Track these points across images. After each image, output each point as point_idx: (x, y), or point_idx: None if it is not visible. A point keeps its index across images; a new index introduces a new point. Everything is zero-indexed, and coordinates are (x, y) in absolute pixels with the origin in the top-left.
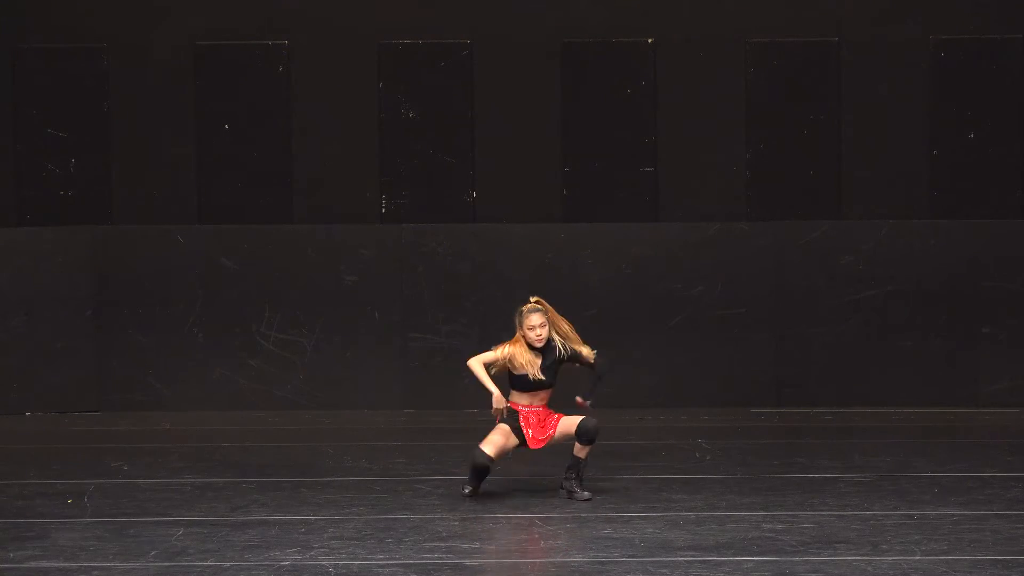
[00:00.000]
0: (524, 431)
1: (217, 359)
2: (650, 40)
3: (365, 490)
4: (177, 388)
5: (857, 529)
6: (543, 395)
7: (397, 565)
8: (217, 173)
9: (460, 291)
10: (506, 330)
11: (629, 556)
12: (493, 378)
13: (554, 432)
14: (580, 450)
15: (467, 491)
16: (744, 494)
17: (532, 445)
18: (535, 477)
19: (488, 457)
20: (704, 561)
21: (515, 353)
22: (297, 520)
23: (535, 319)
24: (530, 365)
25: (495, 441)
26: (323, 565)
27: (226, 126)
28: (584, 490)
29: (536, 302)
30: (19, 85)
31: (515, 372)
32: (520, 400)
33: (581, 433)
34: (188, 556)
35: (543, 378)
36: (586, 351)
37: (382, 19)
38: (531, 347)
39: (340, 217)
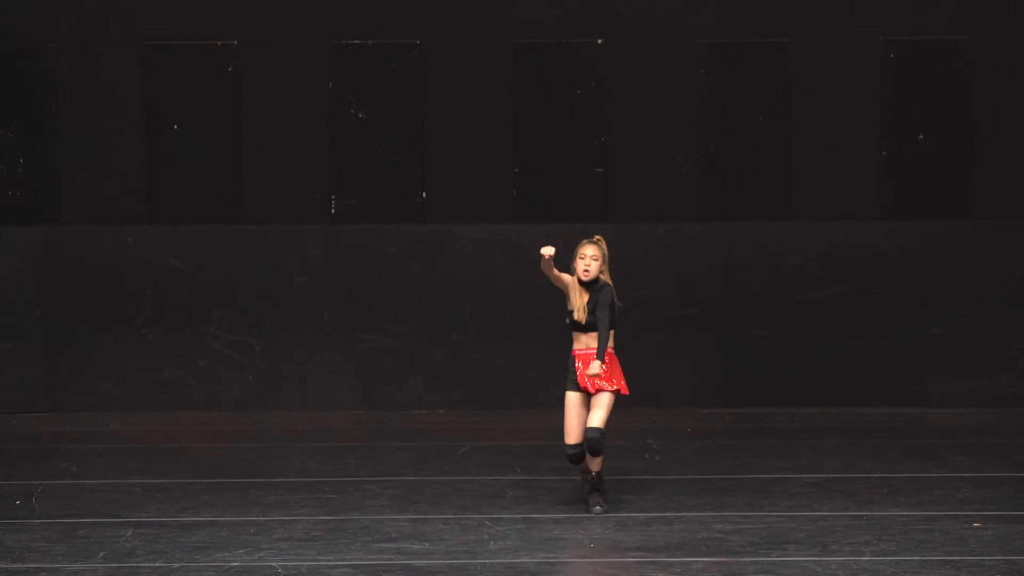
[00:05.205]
0: (578, 372)
1: (167, 359)
2: (600, 41)
3: (314, 491)
4: (126, 388)
5: (806, 530)
6: (593, 338)
7: (346, 566)
8: (166, 173)
9: (410, 292)
10: (456, 332)
11: (579, 557)
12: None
13: (594, 392)
14: (589, 462)
15: (598, 509)
16: (694, 495)
17: (584, 386)
18: (484, 478)
19: (575, 447)
20: (653, 562)
21: (573, 283)
22: (246, 521)
23: (588, 249)
24: (577, 298)
25: (571, 426)
26: (272, 566)
27: (175, 126)
28: (597, 503)
29: (597, 240)
30: None
31: (567, 306)
32: (579, 344)
33: (587, 441)
34: (137, 557)
35: (582, 320)
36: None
37: (332, 19)
38: (580, 283)
39: (290, 217)
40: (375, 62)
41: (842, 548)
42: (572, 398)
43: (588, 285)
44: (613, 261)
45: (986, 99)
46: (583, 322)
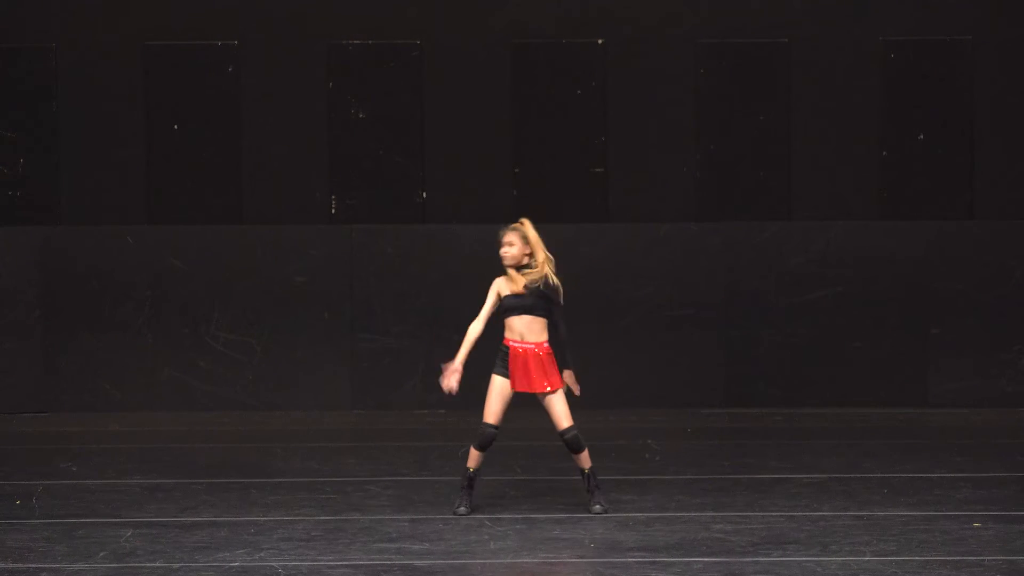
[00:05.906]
0: (511, 369)
1: (166, 360)
2: (600, 41)
3: (314, 491)
4: (126, 389)
5: (807, 530)
6: (534, 325)
7: (346, 566)
8: (166, 173)
9: (410, 292)
10: (456, 332)
11: (579, 557)
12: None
13: (542, 392)
14: (577, 460)
15: (461, 510)
16: (694, 495)
17: (513, 386)
18: (484, 478)
19: (495, 428)
20: (654, 562)
21: (500, 282)
22: (246, 521)
23: (506, 235)
24: (516, 281)
25: (493, 410)
26: (272, 566)
27: (175, 126)
28: (596, 502)
29: (519, 224)
30: None
31: (503, 296)
32: (512, 334)
33: (566, 444)
34: (137, 557)
35: (524, 294)
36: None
37: (332, 20)
38: (512, 269)
39: (290, 218)
40: (375, 62)
41: (842, 548)
42: (499, 382)
43: (523, 270)
44: (613, 261)
45: (986, 99)
46: (530, 298)
